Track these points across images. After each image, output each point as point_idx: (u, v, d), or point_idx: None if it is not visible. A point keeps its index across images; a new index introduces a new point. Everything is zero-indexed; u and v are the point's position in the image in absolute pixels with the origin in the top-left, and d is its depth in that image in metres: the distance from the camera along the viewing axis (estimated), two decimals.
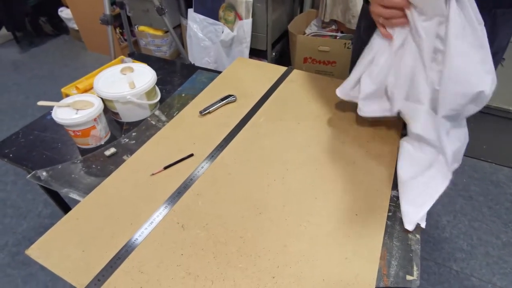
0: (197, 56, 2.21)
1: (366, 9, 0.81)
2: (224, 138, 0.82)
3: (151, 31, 2.45)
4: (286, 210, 0.65)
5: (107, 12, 1.19)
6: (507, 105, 1.44)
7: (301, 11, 2.31)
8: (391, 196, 0.67)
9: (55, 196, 0.96)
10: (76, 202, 0.68)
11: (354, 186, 0.69)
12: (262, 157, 0.77)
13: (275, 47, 2.21)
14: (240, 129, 0.84)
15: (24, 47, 2.95)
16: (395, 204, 0.66)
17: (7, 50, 2.93)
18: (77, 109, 0.77)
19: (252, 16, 1.93)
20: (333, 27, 2.14)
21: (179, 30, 2.52)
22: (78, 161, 0.78)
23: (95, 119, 0.78)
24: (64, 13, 2.81)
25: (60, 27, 3.09)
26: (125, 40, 2.73)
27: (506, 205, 1.43)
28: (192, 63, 2.02)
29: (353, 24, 1.96)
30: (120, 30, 2.71)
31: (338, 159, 0.76)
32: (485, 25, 0.59)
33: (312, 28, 2.19)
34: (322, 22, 2.15)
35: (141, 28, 2.48)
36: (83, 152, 0.81)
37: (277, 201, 0.67)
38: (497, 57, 0.76)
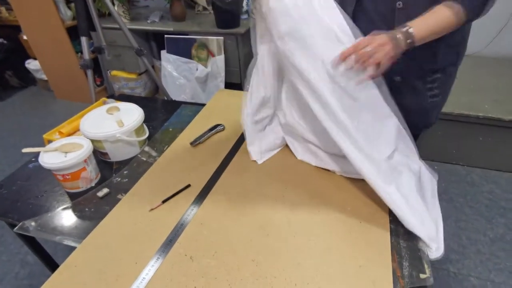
0: (173, 94, 2.24)
1: None
2: (219, 165, 0.82)
3: (124, 74, 2.47)
4: (292, 227, 0.65)
5: (87, 57, 1.20)
6: (467, 111, 1.58)
7: None
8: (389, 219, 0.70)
9: (39, 250, 0.89)
10: (65, 251, 0.64)
11: (353, 196, 0.72)
12: (259, 179, 0.78)
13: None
14: (233, 155, 0.86)
15: None
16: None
17: None
18: (66, 152, 0.75)
19: (224, 52, 2.02)
20: None
21: (153, 71, 2.57)
22: (69, 207, 0.74)
23: (85, 160, 0.76)
24: (32, 64, 2.77)
25: (27, 79, 3.03)
26: (98, 85, 2.73)
27: (485, 202, 1.51)
28: (171, 99, 2.04)
29: None
30: (94, 76, 2.70)
31: (336, 188, 0.78)
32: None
33: None
34: None
35: (114, 72, 2.50)
36: (73, 196, 0.78)
37: (281, 220, 0.67)
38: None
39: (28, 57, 2.82)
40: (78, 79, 2.50)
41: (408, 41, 0.65)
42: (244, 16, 2.13)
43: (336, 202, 0.70)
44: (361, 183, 0.74)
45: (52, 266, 0.91)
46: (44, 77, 2.75)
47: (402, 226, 0.64)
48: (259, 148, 0.84)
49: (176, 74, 2.16)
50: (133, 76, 2.47)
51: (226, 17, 1.95)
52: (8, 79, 2.98)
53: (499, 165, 1.70)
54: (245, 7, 2.08)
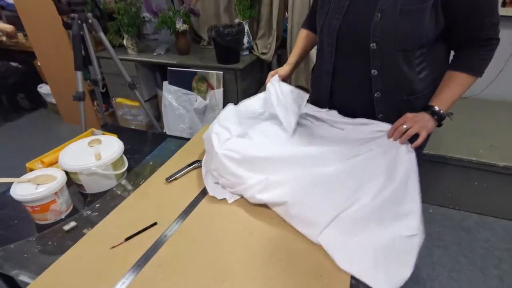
0: (172, 123, 2.30)
1: None
2: (190, 204, 0.82)
3: (128, 102, 2.56)
4: (251, 275, 0.63)
5: (80, 89, 1.26)
6: (461, 155, 1.55)
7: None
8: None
9: (11, 283, 0.88)
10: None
11: (318, 246, 0.70)
12: (227, 221, 0.77)
13: None
14: (205, 194, 0.85)
15: None
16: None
17: None
18: (38, 184, 0.76)
19: (223, 86, 2.08)
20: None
21: (156, 100, 2.65)
22: (34, 239, 0.75)
23: (56, 193, 0.77)
24: (43, 89, 2.91)
25: (38, 102, 3.16)
26: (105, 110, 2.82)
27: (480, 252, 1.44)
28: (164, 131, 2.08)
29: None
30: (97, 103, 2.81)
31: None
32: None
33: None
34: None
35: (118, 99, 2.59)
36: (41, 228, 0.78)
37: (241, 266, 0.65)
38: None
39: (41, 82, 2.96)
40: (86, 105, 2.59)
41: (435, 117, 0.79)
42: (245, 53, 2.21)
43: (300, 250, 0.68)
44: None
45: None
46: (53, 101, 2.87)
47: (364, 284, 0.61)
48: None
49: (176, 105, 2.23)
50: (136, 104, 2.55)
51: (226, 53, 2.03)
52: (20, 101, 3.12)
53: (495, 211, 1.63)
54: (245, 44, 2.16)
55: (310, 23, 1.04)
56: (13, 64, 2.90)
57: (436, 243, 1.51)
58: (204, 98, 2.13)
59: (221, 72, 2.04)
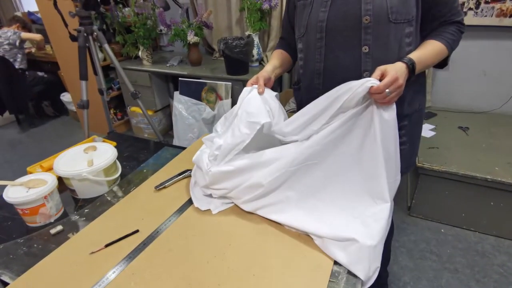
0: (181, 132, 2.34)
1: None
2: (174, 213, 0.82)
3: (141, 111, 2.64)
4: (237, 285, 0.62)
5: (84, 98, 1.31)
6: (474, 172, 1.46)
7: (280, 91, 2.52)
8: (332, 272, 0.64)
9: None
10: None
11: (295, 262, 0.67)
12: (207, 232, 0.76)
13: None
14: (191, 203, 0.85)
15: (24, 128, 3.13)
16: (336, 280, 0.63)
17: (7, 130, 3.11)
18: (29, 188, 0.79)
19: (231, 97, 2.11)
20: None
21: (169, 109, 2.72)
22: (21, 240, 0.77)
23: (45, 197, 0.79)
24: (66, 97, 3.07)
25: (61, 109, 3.33)
26: (119, 119, 2.93)
27: (494, 277, 1.33)
28: (165, 140, 2.11)
29: None
30: (114, 111, 2.92)
31: (285, 231, 0.75)
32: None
33: (291, 105, 2.36)
34: None
35: (133, 108, 2.68)
36: (31, 230, 0.81)
37: (212, 280, 0.64)
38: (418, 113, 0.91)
39: (64, 91, 3.13)
40: (101, 113, 2.70)
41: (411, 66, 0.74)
42: (255, 65, 2.24)
43: (277, 267, 0.66)
44: (311, 253, 0.69)
45: None
46: (74, 109, 3.01)
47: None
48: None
49: (186, 114, 2.27)
50: (150, 112, 2.63)
51: (235, 64, 2.06)
52: (45, 108, 3.30)
53: None
54: (255, 56, 2.19)
55: (282, 44, 1.03)
56: (39, 73, 3.09)
57: (446, 265, 1.41)
58: (213, 109, 2.16)
59: (230, 83, 2.07)
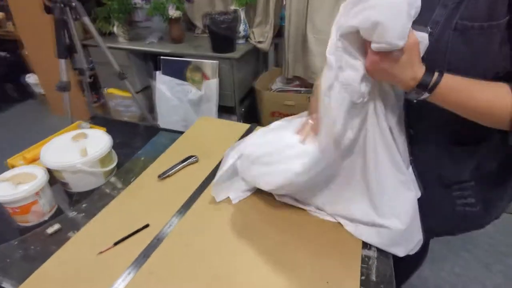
0: (166, 115, 2.22)
1: None
2: (184, 204, 0.76)
3: (119, 93, 2.46)
4: (253, 282, 0.58)
5: (64, 79, 1.18)
6: None
7: (266, 70, 2.44)
8: (362, 257, 0.63)
9: None
10: None
11: (324, 249, 0.65)
12: (224, 224, 0.71)
13: (243, 103, 2.27)
14: (201, 192, 0.80)
15: None
16: (367, 265, 0.61)
17: None
18: (18, 183, 0.70)
19: (218, 76, 2.00)
20: (297, 82, 2.26)
21: (149, 91, 2.56)
22: (16, 242, 0.68)
23: (37, 193, 0.70)
24: (31, 79, 2.80)
25: (26, 93, 3.05)
26: (95, 101, 2.73)
27: (484, 247, 1.41)
28: (158, 123, 2.00)
29: (314, 79, 2.08)
30: (92, 92, 2.71)
31: (308, 220, 0.72)
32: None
33: (277, 85, 2.30)
34: (286, 78, 2.27)
35: (110, 90, 2.49)
36: (23, 231, 0.72)
37: (241, 274, 0.60)
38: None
39: (29, 71, 2.85)
40: (74, 95, 2.49)
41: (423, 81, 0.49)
42: (241, 41, 2.13)
43: (305, 257, 0.63)
44: (340, 236, 0.67)
45: None
46: (42, 91, 2.77)
47: None
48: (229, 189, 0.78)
49: (170, 95, 2.14)
50: (129, 94, 2.46)
51: (221, 41, 1.94)
52: (8, 91, 3.00)
53: None
54: (242, 32, 2.08)
55: None
56: (1, 54, 2.78)
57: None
58: (199, 89, 2.05)
59: (217, 62, 1.96)
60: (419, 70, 0.50)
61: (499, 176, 0.64)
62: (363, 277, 0.59)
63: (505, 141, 0.53)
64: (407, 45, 0.47)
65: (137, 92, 2.46)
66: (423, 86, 0.50)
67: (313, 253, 0.63)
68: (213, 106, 2.06)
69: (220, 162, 0.80)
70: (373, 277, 0.59)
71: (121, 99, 2.51)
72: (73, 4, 1.13)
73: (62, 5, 1.10)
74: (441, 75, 0.49)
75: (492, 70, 0.51)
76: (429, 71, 0.50)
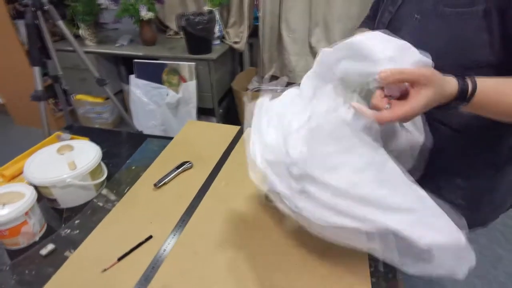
0: (143, 120, 2.15)
1: None
2: (185, 211, 0.75)
3: (90, 99, 2.35)
4: (268, 285, 0.59)
5: (39, 88, 1.09)
6: None
7: (241, 70, 2.44)
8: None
9: None
10: None
11: (333, 244, 0.66)
12: (230, 227, 0.71)
13: (222, 104, 2.25)
14: (201, 198, 0.78)
15: None
16: (375, 257, 0.64)
17: None
18: (3, 204, 0.64)
19: (196, 78, 1.97)
20: (273, 81, 2.29)
21: (121, 95, 2.46)
22: (6, 268, 0.63)
23: (26, 213, 0.65)
24: None
25: None
26: (60, 110, 2.57)
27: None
28: (140, 130, 1.94)
29: (291, 78, 2.11)
30: (53, 100, 2.55)
31: None
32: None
33: (254, 84, 2.31)
34: (262, 78, 2.28)
35: (78, 96, 2.37)
36: (13, 254, 0.66)
37: (257, 279, 0.60)
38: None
39: None
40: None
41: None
42: (217, 42, 2.11)
43: (313, 254, 0.65)
44: None
45: None
46: (1, 101, 2.56)
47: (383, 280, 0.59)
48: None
49: (146, 100, 2.08)
50: (100, 100, 2.35)
51: (197, 43, 1.92)
52: None
53: None
54: (217, 33, 2.06)
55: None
56: None
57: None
58: (176, 92, 2.01)
59: (194, 63, 1.93)
60: (450, 85, 0.47)
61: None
62: (372, 269, 0.61)
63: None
64: (428, 80, 0.44)
65: (107, 99, 2.36)
66: (461, 96, 0.47)
67: (323, 248, 0.65)
68: (192, 108, 2.03)
69: (215, 167, 0.77)
70: (381, 268, 0.62)
71: (90, 106, 2.40)
72: (46, 7, 1.05)
73: (33, 8, 1.02)
74: (473, 80, 0.48)
75: (470, 57, 0.54)
76: (460, 80, 0.47)
